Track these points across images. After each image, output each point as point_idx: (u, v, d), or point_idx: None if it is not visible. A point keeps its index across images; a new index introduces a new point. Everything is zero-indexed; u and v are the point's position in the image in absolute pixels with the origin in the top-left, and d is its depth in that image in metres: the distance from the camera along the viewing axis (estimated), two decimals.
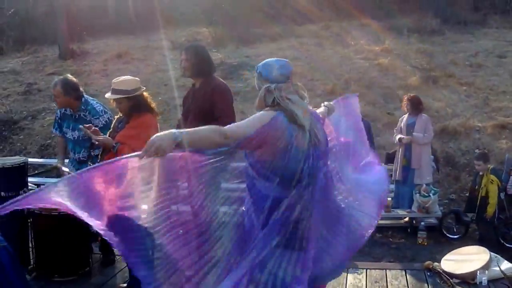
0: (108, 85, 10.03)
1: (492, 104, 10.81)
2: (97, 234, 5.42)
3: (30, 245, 5.02)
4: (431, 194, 7.25)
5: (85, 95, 5.23)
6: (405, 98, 7.75)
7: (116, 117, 4.63)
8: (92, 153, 4.96)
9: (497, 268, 4.72)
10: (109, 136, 4.41)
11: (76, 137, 5.16)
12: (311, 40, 16.14)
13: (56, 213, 4.53)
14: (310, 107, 2.96)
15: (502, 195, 6.77)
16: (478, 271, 4.66)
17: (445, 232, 7.19)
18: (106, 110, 5.18)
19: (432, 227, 7.32)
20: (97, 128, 4.40)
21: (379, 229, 7.11)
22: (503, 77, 12.24)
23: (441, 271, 4.88)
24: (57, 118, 5.39)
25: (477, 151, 8.73)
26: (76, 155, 5.23)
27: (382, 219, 7.00)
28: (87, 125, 4.36)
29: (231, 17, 17.93)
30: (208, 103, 4.54)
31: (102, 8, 21.42)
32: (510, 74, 12.38)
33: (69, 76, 5.30)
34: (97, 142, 4.29)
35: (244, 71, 13.92)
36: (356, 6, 17.56)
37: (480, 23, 16.50)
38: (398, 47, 14.51)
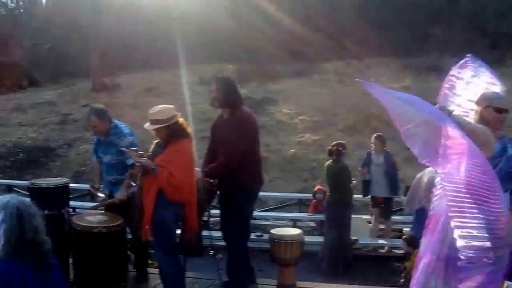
0: (138, 117, 10.40)
1: None
2: (130, 254, 5.48)
3: (70, 260, 5.02)
4: None
5: (114, 120, 5.35)
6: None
7: (154, 141, 4.72)
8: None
9: None
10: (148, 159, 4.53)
11: (108, 160, 5.28)
12: (333, 77, 16.41)
13: (96, 231, 4.70)
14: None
15: None
16: None
17: None
18: (132, 133, 5.25)
19: None
20: (141, 153, 4.54)
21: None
22: None
23: None
24: (94, 145, 5.55)
25: None
26: (109, 177, 5.34)
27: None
28: (134, 148, 4.58)
29: (254, 54, 18.34)
30: (234, 133, 4.71)
31: (133, 45, 22.32)
32: None
33: (96, 104, 5.57)
34: (138, 164, 4.46)
35: (269, 106, 14.34)
36: (376, 44, 18.02)
37: (498, 61, 16.72)
38: (417, 84, 14.80)
